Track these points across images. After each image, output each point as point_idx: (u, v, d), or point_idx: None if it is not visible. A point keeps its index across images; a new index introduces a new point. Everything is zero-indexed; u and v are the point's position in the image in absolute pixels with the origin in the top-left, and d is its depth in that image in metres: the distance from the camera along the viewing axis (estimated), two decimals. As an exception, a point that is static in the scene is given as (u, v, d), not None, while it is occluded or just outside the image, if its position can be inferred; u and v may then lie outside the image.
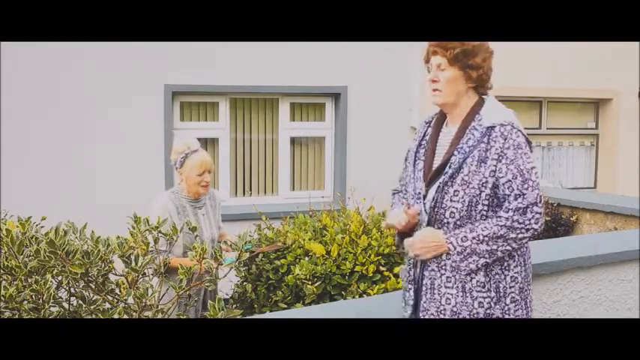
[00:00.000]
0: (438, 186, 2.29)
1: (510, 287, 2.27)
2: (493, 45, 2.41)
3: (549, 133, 8.42)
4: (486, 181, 2.22)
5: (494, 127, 2.24)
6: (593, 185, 8.69)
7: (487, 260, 2.23)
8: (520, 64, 7.46)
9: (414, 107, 7.07)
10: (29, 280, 2.62)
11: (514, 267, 2.29)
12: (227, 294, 4.04)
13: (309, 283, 3.46)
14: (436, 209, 2.30)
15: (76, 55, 5.93)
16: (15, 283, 2.58)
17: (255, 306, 3.75)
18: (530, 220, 2.18)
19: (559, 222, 5.70)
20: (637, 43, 8.00)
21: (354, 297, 3.42)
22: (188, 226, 3.24)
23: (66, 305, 2.83)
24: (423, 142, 2.46)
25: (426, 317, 2.33)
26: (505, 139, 2.21)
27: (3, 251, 2.71)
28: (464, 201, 2.24)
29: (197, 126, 6.53)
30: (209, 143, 6.63)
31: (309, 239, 3.76)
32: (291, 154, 6.98)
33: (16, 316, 2.52)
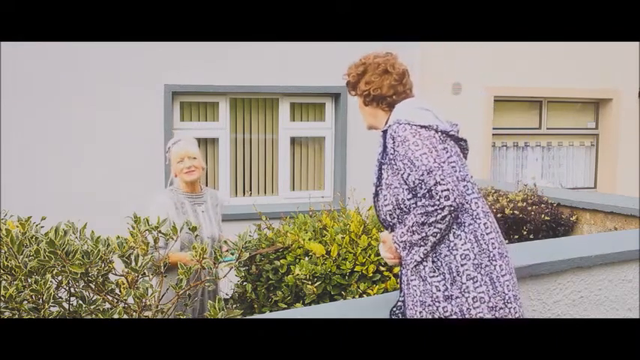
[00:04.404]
0: (373, 195, 2.53)
1: (462, 265, 2.28)
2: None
3: (549, 133, 8.42)
4: (400, 180, 2.37)
5: (385, 131, 2.43)
6: (593, 185, 8.69)
7: (426, 248, 2.31)
8: (520, 64, 7.47)
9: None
10: (29, 280, 2.62)
11: (462, 245, 2.30)
12: (227, 294, 4.04)
13: (309, 283, 3.45)
14: (378, 215, 2.51)
15: (76, 55, 5.93)
16: (15, 283, 2.57)
17: (255, 306, 3.75)
18: (439, 199, 2.24)
19: (559, 222, 5.69)
20: (637, 43, 8.00)
21: (354, 297, 3.42)
22: (188, 226, 3.24)
23: (66, 305, 2.82)
24: None
25: (407, 311, 2.43)
26: (394, 139, 2.36)
27: (3, 251, 2.70)
28: (391, 202, 2.42)
29: (197, 126, 6.52)
30: (209, 143, 6.63)
31: (309, 239, 3.75)
32: (291, 154, 6.98)
33: (16, 316, 2.52)
